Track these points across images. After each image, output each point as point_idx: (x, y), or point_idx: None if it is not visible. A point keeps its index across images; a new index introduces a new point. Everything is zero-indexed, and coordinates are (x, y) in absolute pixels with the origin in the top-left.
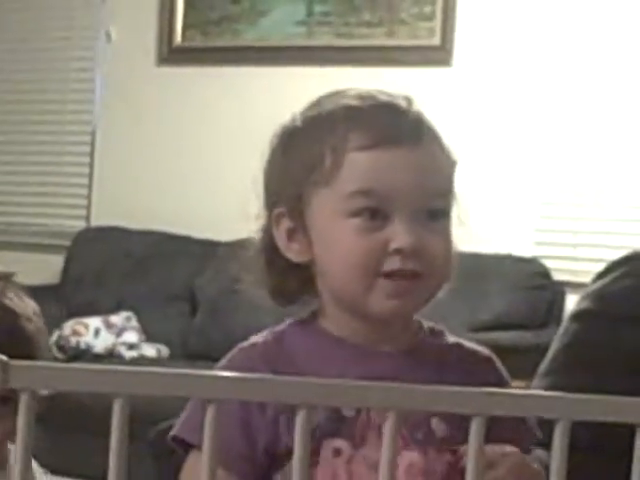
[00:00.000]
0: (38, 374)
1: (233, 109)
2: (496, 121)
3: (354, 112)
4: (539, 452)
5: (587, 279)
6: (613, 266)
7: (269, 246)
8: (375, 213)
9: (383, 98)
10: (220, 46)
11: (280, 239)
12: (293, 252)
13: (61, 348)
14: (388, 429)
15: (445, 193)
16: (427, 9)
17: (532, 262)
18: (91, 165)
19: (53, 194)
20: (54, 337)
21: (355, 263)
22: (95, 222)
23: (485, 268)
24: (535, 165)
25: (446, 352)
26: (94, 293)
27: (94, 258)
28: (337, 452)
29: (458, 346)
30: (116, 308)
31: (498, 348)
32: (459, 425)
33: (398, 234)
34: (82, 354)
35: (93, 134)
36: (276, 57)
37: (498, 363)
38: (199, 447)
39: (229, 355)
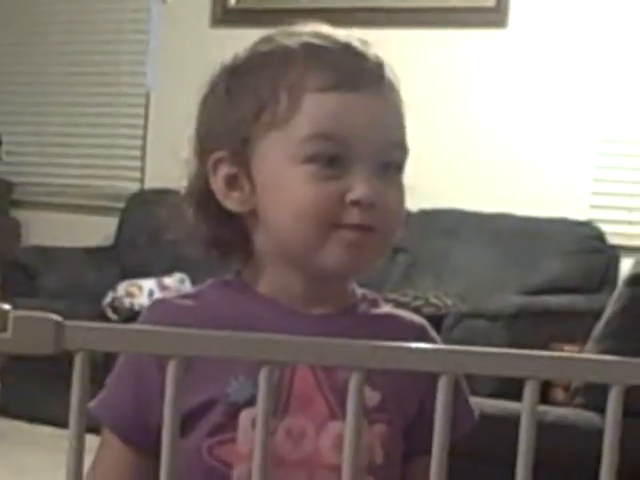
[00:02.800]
0: (93, 335)
1: None
2: (552, 83)
3: (315, 50)
4: None
5: None
6: None
7: (203, 194)
8: (333, 160)
9: (343, 38)
10: (274, 8)
11: (218, 186)
12: (233, 201)
13: (115, 309)
14: (352, 392)
15: (403, 144)
16: None
17: (587, 225)
18: (145, 127)
19: (107, 156)
20: (108, 298)
21: (308, 212)
22: (149, 184)
23: (539, 231)
24: (590, 128)
25: (379, 320)
26: (148, 255)
27: (148, 220)
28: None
29: (391, 315)
30: (170, 270)
31: (550, 312)
32: (393, 394)
33: (357, 184)
34: (136, 315)
35: (147, 96)
36: (331, 19)
37: (432, 332)
38: (105, 425)
39: (147, 308)
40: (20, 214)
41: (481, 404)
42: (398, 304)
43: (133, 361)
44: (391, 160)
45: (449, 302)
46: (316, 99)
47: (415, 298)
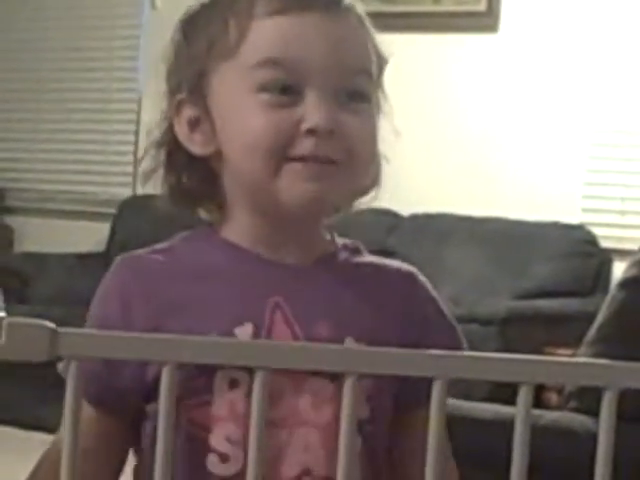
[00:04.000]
0: (87, 342)
1: None
2: (542, 87)
3: None
4: None
5: (635, 246)
6: None
7: (170, 141)
8: (286, 88)
9: None
10: None
11: (181, 130)
12: (195, 144)
13: None
14: (346, 396)
15: (365, 71)
16: None
17: (579, 229)
18: (137, 133)
19: (100, 162)
20: None
21: (261, 143)
22: (141, 190)
23: (531, 235)
24: (582, 132)
25: (362, 269)
26: None
27: (140, 226)
28: (234, 383)
29: (375, 264)
30: None
31: (543, 316)
32: (383, 344)
33: (311, 112)
34: None
35: (139, 102)
36: None
37: (421, 277)
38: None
39: (111, 269)
40: (12, 220)
41: (475, 408)
42: None
43: (100, 324)
44: (354, 88)
45: None
46: (263, 25)
47: None
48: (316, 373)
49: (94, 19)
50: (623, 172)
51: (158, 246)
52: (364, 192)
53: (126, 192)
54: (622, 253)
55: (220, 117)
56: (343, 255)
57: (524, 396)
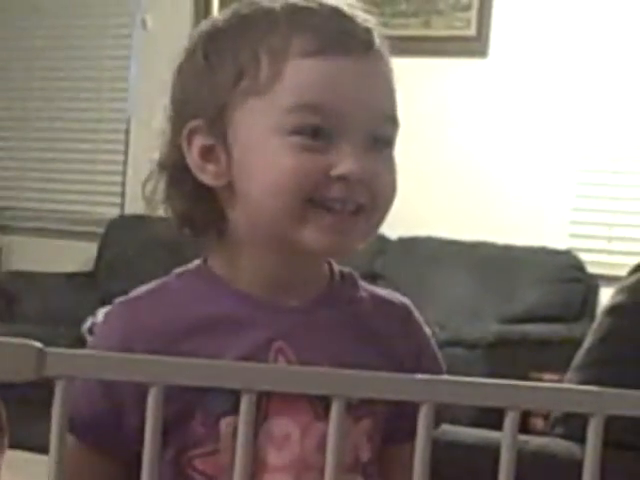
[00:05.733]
0: (74, 362)
1: None
2: (531, 113)
3: (299, 13)
4: None
5: (622, 272)
6: None
7: (177, 166)
8: (318, 132)
9: (329, 1)
10: None
11: (193, 158)
12: (208, 174)
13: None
14: (333, 418)
15: (394, 118)
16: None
17: (566, 255)
18: (126, 153)
19: (88, 182)
20: (87, 324)
21: (288, 184)
22: (129, 210)
23: (518, 260)
24: (570, 158)
25: (362, 304)
26: (127, 280)
27: (127, 245)
28: (237, 432)
29: (374, 297)
30: None
31: (529, 341)
32: None
33: (344, 158)
34: None
35: (128, 122)
36: None
37: (416, 312)
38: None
39: (107, 314)
40: (0, 239)
41: (461, 433)
42: None
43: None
44: (382, 133)
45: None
46: (300, 65)
47: None
48: (321, 418)
49: (84, 39)
50: (611, 198)
51: (152, 286)
52: None
53: (114, 212)
54: (609, 279)
55: (241, 152)
56: (341, 289)
57: (510, 421)
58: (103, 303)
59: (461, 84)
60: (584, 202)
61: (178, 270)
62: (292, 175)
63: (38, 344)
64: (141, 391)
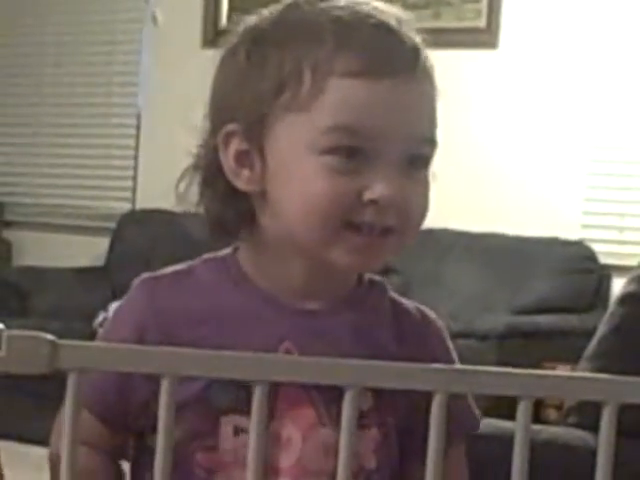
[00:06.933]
0: (87, 354)
1: None
2: (542, 104)
3: (345, 28)
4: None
5: (634, 262)
6: None
7: (211, 168)
8: (353, 152)
9: (377, 15)
10: None
11: (228, 162)
12: (242, 179)
13: None
14: (346, 408)
15: (432, 140)
16: None
17: (578, 245)
18: (136, 148)
19: (99, 177)
20: (99, 318)
21: (319, 208)
22: (140, 205)
23: (530, 251)
24: (581, 148)
25: (380, 310)
26: (139, 275)
27: (138, 240)
28: (237, 430)
29: (393, 304)
30: None
31: (541, 331)
32: (390, 397)
33: (377, 181)
34: None
35: (139, 117)
36: None
37: (444, 330)
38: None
39: (130, 291)
40: (11, 234)
41: None
42: None
43: (113, 339)
44: (419, 155)
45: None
46: (341, 85)
47: None
48: (325, 424)
49: (94, 34)
50: (622, 188)
51: (179, 267)
52: None
53: (125, 206)
54: (621, 269)
55: (277, 164)
56: (365, 297)
57: (524, 410)
58: (115, 298)
59: (471, 76)
60: (596, 192)
61: (207, 256)
62: (325, 200)
63: (51, 336)
64: (152, 387)
